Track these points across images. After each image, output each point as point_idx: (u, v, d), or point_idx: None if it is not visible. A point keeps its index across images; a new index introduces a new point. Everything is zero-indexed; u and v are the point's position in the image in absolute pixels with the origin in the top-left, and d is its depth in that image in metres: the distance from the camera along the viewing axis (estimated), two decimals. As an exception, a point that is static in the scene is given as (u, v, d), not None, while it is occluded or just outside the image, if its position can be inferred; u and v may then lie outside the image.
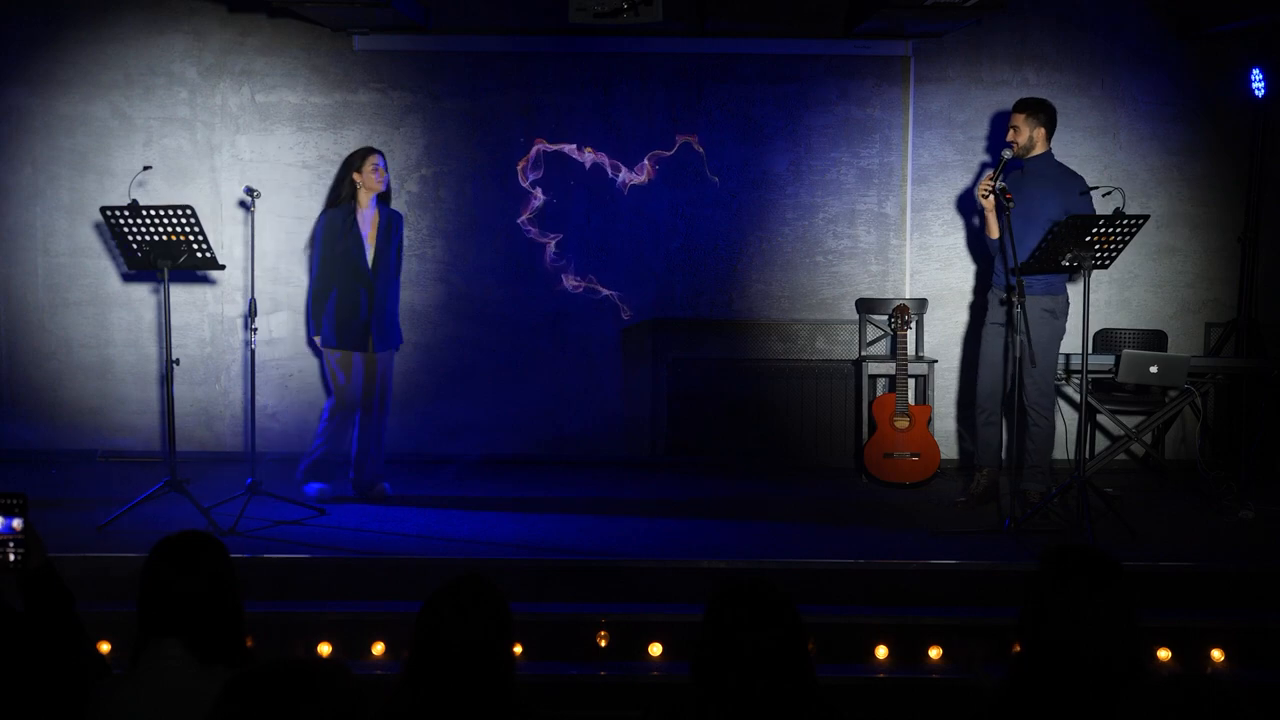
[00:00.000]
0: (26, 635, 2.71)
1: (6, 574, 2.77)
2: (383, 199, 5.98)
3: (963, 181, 6.91)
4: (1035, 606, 2.34)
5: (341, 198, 5.88)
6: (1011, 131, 5.81)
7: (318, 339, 6.02)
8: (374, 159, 5.88)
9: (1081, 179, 5.88)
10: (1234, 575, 5.00)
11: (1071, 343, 6.78)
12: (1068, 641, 2.28)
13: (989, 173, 5.79)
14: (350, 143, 6.90)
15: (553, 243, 6.97)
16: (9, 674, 2.64)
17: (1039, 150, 5.82)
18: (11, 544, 2.75)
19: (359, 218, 5.86)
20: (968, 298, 6.99)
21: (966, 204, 6.92)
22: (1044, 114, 5.83)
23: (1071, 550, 2.38)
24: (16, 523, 2.76)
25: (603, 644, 4.64)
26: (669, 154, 6.93)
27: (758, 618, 2.23)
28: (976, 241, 6.86)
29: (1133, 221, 5.39)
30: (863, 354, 6.82)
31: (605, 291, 6.99)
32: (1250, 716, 1.79)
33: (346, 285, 5.84)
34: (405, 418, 7.02)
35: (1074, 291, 6.79)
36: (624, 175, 6.94)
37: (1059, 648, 2.28)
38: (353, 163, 5.89)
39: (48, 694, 2.61)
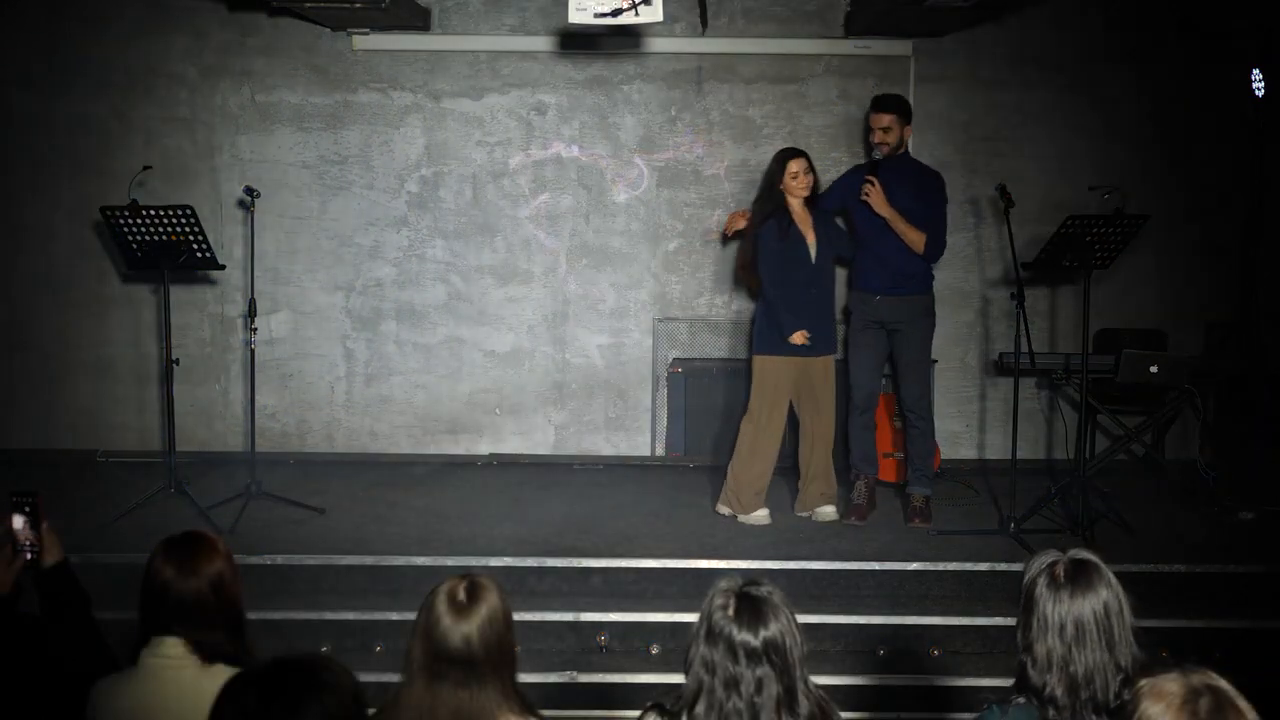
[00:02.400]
0: (39, 639, 2.71)
1: (21, 572, 2.77)
2: (809, 202, 5.70)
3: (963, 182, 6.90)
4: (1026, 616, 2.35)
5: (769, 210, 5.62)
6: (881, 133, 5.69)
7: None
8: (791, 165, 5.61)
9: (938, 175, 5.88)
10: (1234, 575, 5.00)
11: (1071, 343, 6.80)
12: (1061, 647, 2.29)
13: (867, 182, 5.61)
14: (351, 143, 6.91)
15: (552, 243, 6.97)
16: (21, 678, 2.65)
17: (904, 148, 5.78)
18: (26, 542, 2.75)
19: (795, 221, 5.64)
20: (968, 298, 6.99)
21: (966, 204, 6.92)
22: (908, 112, 5.80)
23: (1056, 560, 2.38)
24: (18, 520, 2.77)
25: (603, 644, 4.65)
26: (668, 154, 6.94)
27: (751, 618, 2.23)
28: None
29: (1132, 221, 5.40)
30: (863, 354, 6.81)
31: (604, 291, 6.99)
32: (1249, 717, 1.79)
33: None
34: (403, 418, 7.03)
35: (1074, 291, 6.81)
36: (623, 175, 6.94)
37: (1053, 654, 2.29)
38: (773, 171, 5.67)
39: (61, 695, 2.62)
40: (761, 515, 5.63)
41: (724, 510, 5.75)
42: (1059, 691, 2.27)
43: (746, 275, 5.96)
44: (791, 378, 5.65)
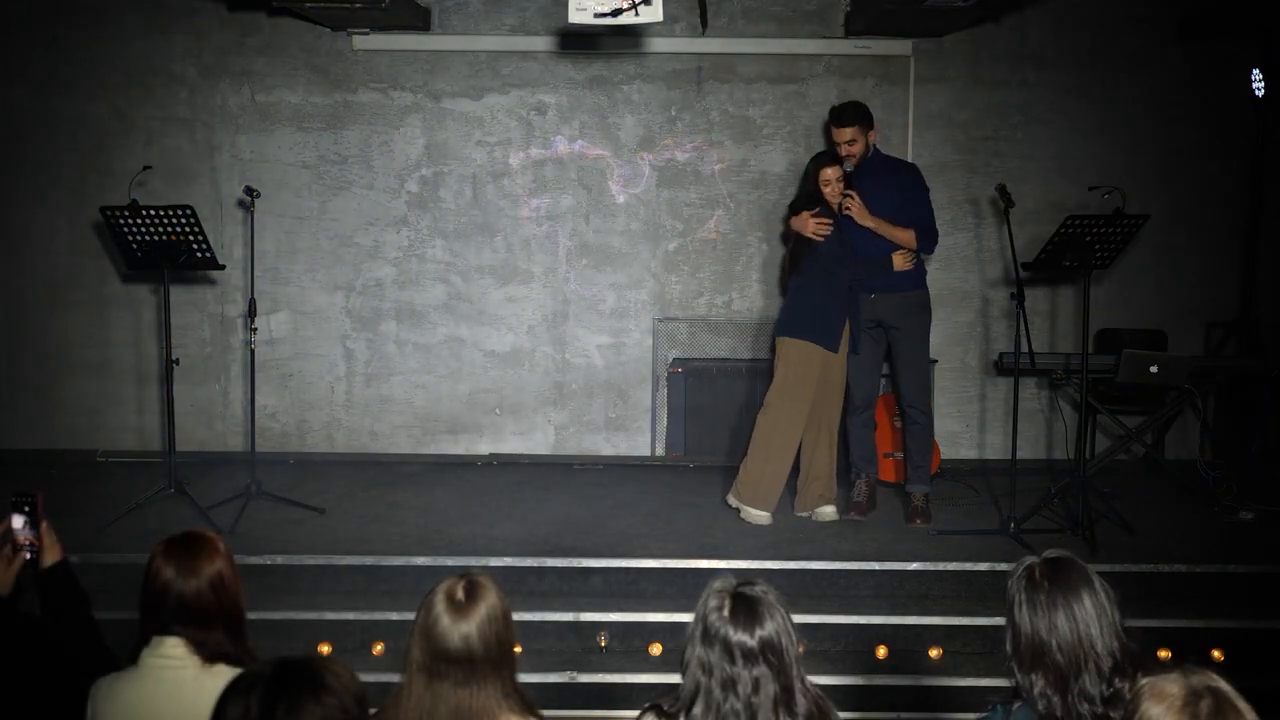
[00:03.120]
0: (39, 639, 2.71)
1: (21, 571, 2.77)
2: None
3: (963, 182, 6.91)
4: (1009, 621, 2.37)
5: (815, 207, 5.58)
6: (846, 146, 5.63)
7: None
8: (824, 172, 5.56)
9: (913, 167, 5.81)
10: (1234, 575, 5.00)
11: (1071, 343, 6.81)
12: (1044, 646, 2.30)
13: (846, 196, 5.54)
14: (351, 143, 6.91)
15: (551, 242, 6.97)
16: (22, 677, 2.65)
17: (871, 151, 5.73)
18: (26, 542, 2.76)
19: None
20: (968, 298, 6.99)
21: (966, 204, 6.92)
22: (869, 118, 5.71)
23: (1032, 563, 2.39)
24: (18, 520, 2.77)
25: (603, 644, 4.65)
26: (668, 154, 6.94)
27: (747, 618, 2.24)
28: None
29: (1132, 221, 5.39)
30: (863, 354, 6.81)
31: (604, 291, 6.99)
32: (1249, 719, 1.79)
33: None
34: (403, 418, 7.03)
35: (1074, 291, 6.81)
36: (623, 175, 6.94)
37: (1038, 654, 2.31)
38: (810, 174, 5.64)
39: (61, 695, 2.62)
40: (762, 515, 5.62)
41: (732, 501, 5.73)
42: (1049, 689, 2.30)
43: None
44: (816, 367, 5.56)
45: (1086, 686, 2.27)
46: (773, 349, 5.80)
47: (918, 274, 5.73)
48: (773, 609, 2.26)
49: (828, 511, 5.69)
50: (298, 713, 1.80)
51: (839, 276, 5.55)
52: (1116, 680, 2.26)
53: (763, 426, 5.63)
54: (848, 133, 5.63)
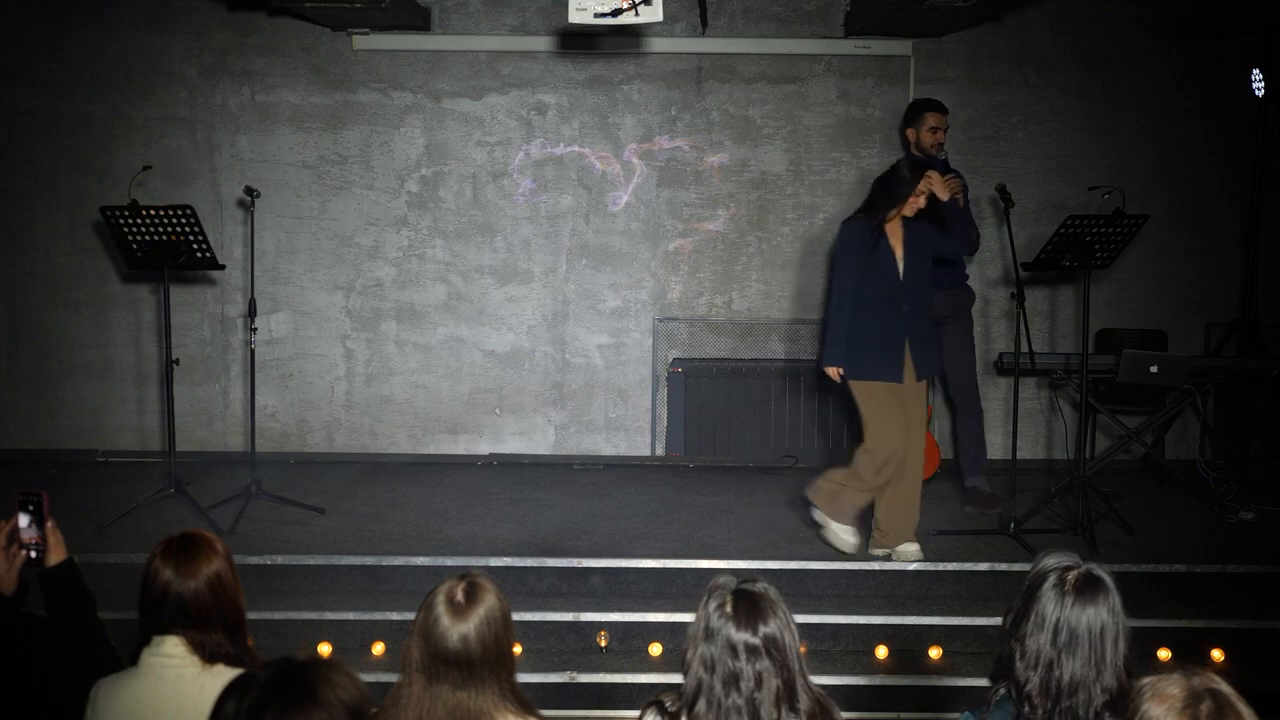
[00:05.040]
0: (41, 638, 2.71)
1: (27, 570, 2.77)
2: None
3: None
4: (1024, 606, 2.35)
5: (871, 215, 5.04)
6: (943, 134, 5.82)
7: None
8: (933, 174, 4.99)
9: (960, 174, 5.83)
10: (1234, 575, 5.00)
11: (1071, 343, 6.81)
12: (1051, 650, 2.29)
13: (949, 178, 5.24)
14: (351, 143, 6.90)
15: (551, 242, 6.97)
16: (25, 677, 2.65)
17: None
18: (31, 541, 2.76)
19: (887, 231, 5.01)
20: (968, 298, 6.99)
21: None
22: None
23: (1072, 566, 2.37)
24: (23, 519, 2.77)
25: (603, 644, 4.65)
26: (668, 154, 6.94)
27: (749, 616, 2.24)
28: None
29: (1132, 221, 5.39)
30: (863, 354, 6.81)
31: (604, 291, 6.99)
32: (1249, 718, 1.79)
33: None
34: (403, 418, 7.03)
35: (1074, 291, 6.81)
36: (623, 175, 6.94)
37: (1042, 653, 2.30)
38: (903, 181, 4.95)
39: (64, 694, 2.62)
40: (845, 530, 5.04)
41: (816, 516, 5.12)
42: (1035, 691, 2.28)
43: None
44: (894, 398, 5.00)
45: (1076, 708, 2.26)
46: (820, 373, 5.26)
47: (961, 273, 5.93)
48: (775, 605, 2.26)
49: (910, 550, 5.05)
50: (297, 716, 1.79)
51: (895, 303, 4.99)
52: (1107, 715, 2.24)
53: (864, 462, 5.01)
54: (942, 119, 5.79)
